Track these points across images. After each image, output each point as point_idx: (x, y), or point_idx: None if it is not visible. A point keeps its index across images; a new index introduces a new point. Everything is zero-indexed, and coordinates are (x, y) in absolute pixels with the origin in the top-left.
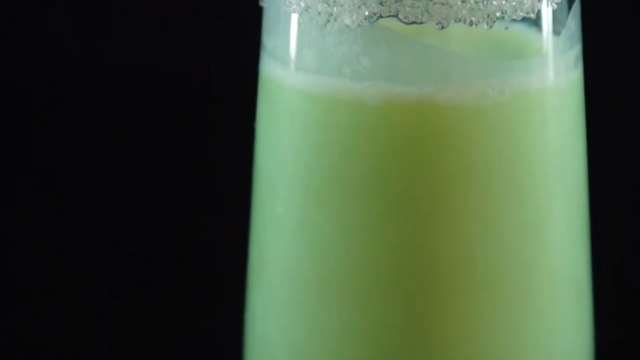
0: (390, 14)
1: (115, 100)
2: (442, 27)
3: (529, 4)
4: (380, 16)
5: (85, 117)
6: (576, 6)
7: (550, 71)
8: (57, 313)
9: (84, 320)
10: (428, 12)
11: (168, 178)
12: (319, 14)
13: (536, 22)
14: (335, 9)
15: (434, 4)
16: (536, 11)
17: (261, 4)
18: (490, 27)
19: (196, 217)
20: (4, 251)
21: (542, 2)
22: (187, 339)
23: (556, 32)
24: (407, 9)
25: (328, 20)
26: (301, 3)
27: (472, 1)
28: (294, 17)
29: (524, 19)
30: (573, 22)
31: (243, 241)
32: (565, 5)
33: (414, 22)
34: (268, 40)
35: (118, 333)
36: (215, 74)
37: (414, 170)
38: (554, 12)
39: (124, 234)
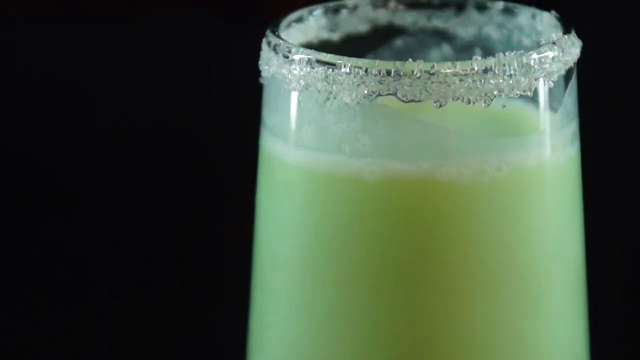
0: (389, 92)
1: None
2: (440, 106)
3: (526, 82)
4: (379, 94)
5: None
6: (572, 84)
7: (548, 148)
8: (57, 313)
9: (85, 320)
10: (426, 90)
11: (170, 251)
12: (319, 92)
13: (533, 99)
14: (334, 87)
15: (432, 82)
16: (533, 89)
17: (261, 81)
18: (488, 105)
19: (200, 298)
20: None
21: (538, 80)
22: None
23: (553, 108)
24: (406, 87)
25: (327, 98)
26: (301, 81)
27: (469, 80)
28: (294, 95)
29: (521, 96)
30: (570, 99)
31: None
32: (562, 82)
33: (412, 101)
34: (268, 116)
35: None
36: (216, 149)
37: (412, 246)
38: (550, 89)
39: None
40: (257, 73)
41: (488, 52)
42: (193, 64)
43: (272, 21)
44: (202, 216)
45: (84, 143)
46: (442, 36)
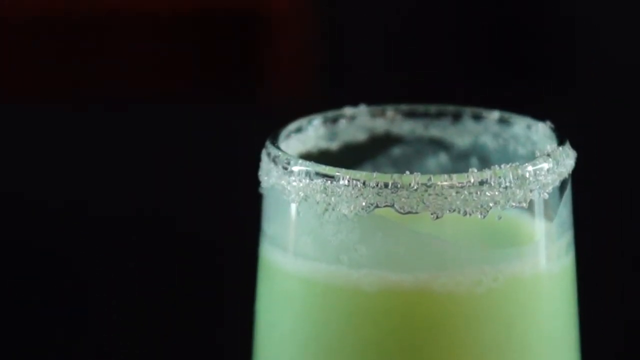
0: (387, 204)
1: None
2: (437, 217)
3: (521, 194)
4: (377, 206)
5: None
6: (567, 194)
7: (543, 258)
8: (59, 315)
9: (86, 323)
10: (423, 202)
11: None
12: (318, 203)
13: (529, 210)
14: (333, 198)
15: (429, 195)
16: (528, 200)
17: (261, 191)
18: (484, 216)
19: None
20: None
21: (533, 192)
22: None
23: (548, 219)
24: (403, 199)
25: (326, 209)
26: (300, 192)
27: (466, 192)
28: (293, 206)
29: (517, 207)
30: (564, 209)
31: None
32: (557, 193)
33: (409, 212)
34: (268, 226)
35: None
36: (216, 257)
37: (410, 354)
38: (545, 200)
39: None
40: (257, 182)
41: (484, 161)
42: (193, 167)
43: (272, 132)
44: (202, 323)
45: (88, 240)
46: (439, 145)
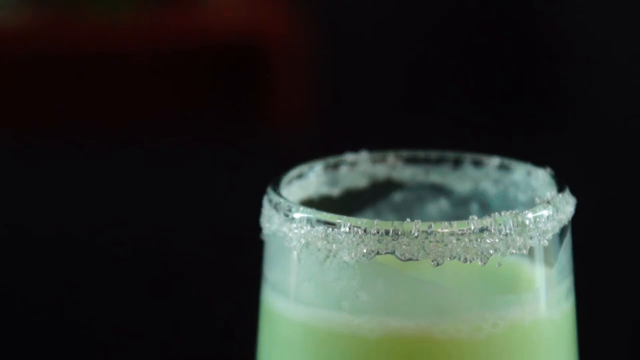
0: (388, 251)
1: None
2: (438, 264)
3: (521, 241)
4: (378, 253)
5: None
6: (567, 240)
7: (543, 304)
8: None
9: None
10: (424, 249)
11: None
12: (319, 249)
13: (529, 257)
14: (334, 245)
15: (430, 242)
16: (528, 247)
17: (262, 237)
18: (484, 263)
19: None
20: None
21: (533, 239)
22: None
23: (548, 265)
24: (404, 246)
25: (327, 256)
26: (301, 239)
27: (466, 239)
28: (295, 252)
29: (517, 254)
30: (564, 255)
31: None
32: (557, 240)
33: (410, 259)
34: (269, 272)
35: None
36: (218, 302)
37: None
38: (545, 247)
39: None
40: (259, 228)
41: (485, 206)
42: (194, 210)
43: (274, 178)
44: None
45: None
46: (440, 191)
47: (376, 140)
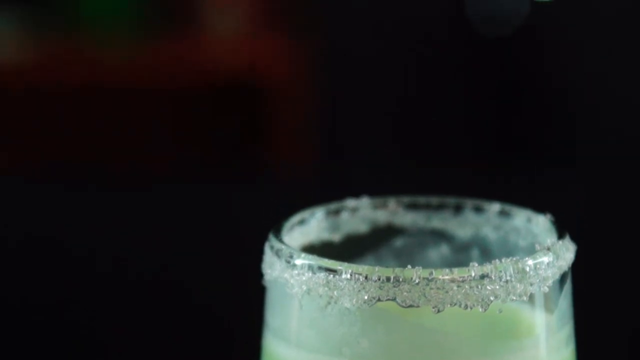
0: (389, 297)
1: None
2: (439, 311)
3: (522, 287)
4: (379, 300)
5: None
6: (567, 287)
7: (544, 350)
8: None
9: None
10: (425, 296)
11: None
12: (320, 296)
13: (529, 303)
14: (335, 292)
15: (431, 288)
16: (529, 294)
17: (264, 283)
18: (485, 310)
19: None
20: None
21: (534, 286)
22: None
23: (548, 311)
24: (405, 293)
25: (329, 303)
26: (303, 286)
27: (467, 286)
28: (296, 298)
29: (518, 300)
30: (564, 302)
31: None
32: (557, 286)
33: (411, 306)
34: (271, 318)
35: None
36: (220, 347)
37: None
38: (545, 294)
39: None
40: (260, 274)
41: (485, 252)
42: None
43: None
44: None
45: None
46: (441, 236)
47: (377, 185)
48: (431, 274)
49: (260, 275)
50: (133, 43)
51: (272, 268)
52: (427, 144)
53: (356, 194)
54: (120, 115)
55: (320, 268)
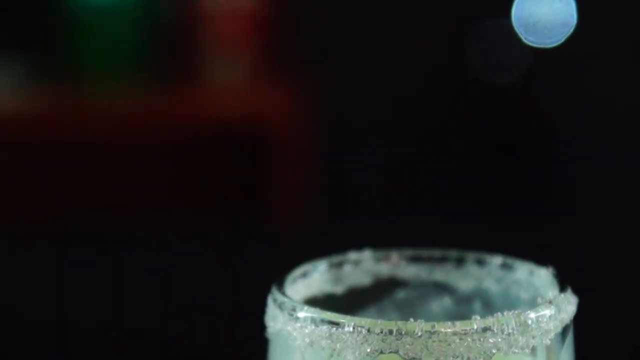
0: (391, 350)
1: None
2: None
3: (524, 340)
4: (382, 352)
5: None
6: (569, 339)
7: None
8: None
9: None
10: (427, 349)
11: None
12: (323, 348)
13: (531, 355)
14: (338, 345)
15: (433, 341)
16: (531, 347)
17: (267, 335)
18: None
19: None
20: None
21: (536, 338)
22: None
23: None
24: (407, 346)
25: (332, 355)
26: (306, 338)
27: (469, 339)
28: (299, 351)
29: (520, 353)
30: (566, 354)
31: None
32: (559, 339)
33: (413, 358)
34: None
35: None
36: None
37: None
38: (547, 346)
39: None
40: (263, 326)
41: (487, 304)
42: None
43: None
44: None
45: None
46: (443, 289)
47: (379, 238)
48: (433, 327)
49: (263, 327)
50: (131, 94)
51: (275, 320)
52: (428, 197)
53: (359, 247)
54: (118, 167)
55: (323, 321)
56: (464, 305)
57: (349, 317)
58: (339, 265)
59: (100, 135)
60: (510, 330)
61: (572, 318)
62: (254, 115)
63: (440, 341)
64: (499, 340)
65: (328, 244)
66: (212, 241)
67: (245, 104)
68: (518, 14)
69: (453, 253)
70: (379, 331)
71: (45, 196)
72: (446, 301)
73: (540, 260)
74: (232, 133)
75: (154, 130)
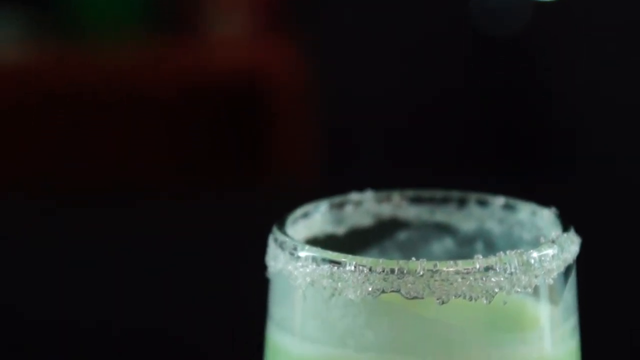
0: (393, 289)
1: None
2: (443, 302)
3: (526, 279)
4: (383, 291)
5: None
6: (572, 279)
7: (548, 342)
8: None
9: None
10: (429, 288)
11: None
12: (324, 288)
13: (534, 295)
14: (340, 284)
15: (435, 280)
16: (533, 286)
17: (268, 275)
18: (489, 301)
19: None
20: None
21: (539, 278)
22: None
23: (553, 303)
24: (409, 285)
25: (333, 294)
26: (307, 278)
27: (471, 278)
28: (300, 290)
29: (522, 292)
30: (569, 294)
31: None
32: (562, 279)
33: (415, 297)
34: (275, 310)
35: None
36: (223, 341)
37: None
38: (550, 286)
39: None
40: (264, 267)
41: (489, 246)
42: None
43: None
44: None
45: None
46: (445, 230)
47: (381, 180)
48: (435, 266)
49: (264, 268)
50: (132, 47)
51: (276, 260)
52: (429, 145)
53: (359, 189)
54: (117, 120)
55: (324, 260)
56: (466, 247)
57: (350, 256)
58: (340, 205)
59: (99, 87)
60: (513, 270)
61: (575, 258)
62: (254, 67)
63: (442, 280)
64: (502, 279)
65: (330, 190)
66: (213, 195)
67: (247, 55)
68: None
69: (455, 194)
70: (380, 270)
71: (44, 152)
72: (448, 242)
73: (543, 203)
74: (233, 85)
75: (154, 83)
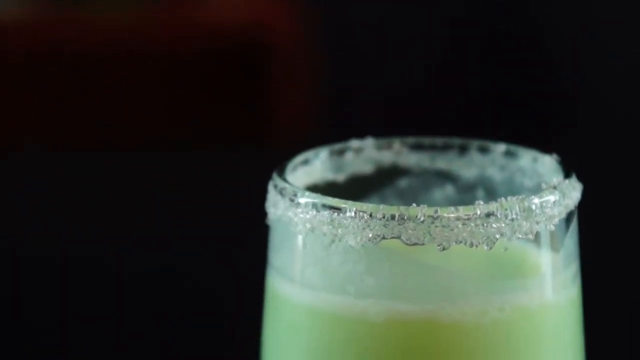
0: (393, 235)
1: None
2: (444, 249)
3: (528, 226)
4: (384, 238)
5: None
6: (573, 226)
7: (549, 289)
8: None
9: None
10: (430, 234)
11: None
12: (324, 234)
13: (535, 242)
14: (340, 230)
15: (436, 226)
16: (534, 232)
17: (268, 222)
18: (490, 248)
19: None
20: None
21: (540, 224)
22: None
23: (554, 250)
24: (410, 231)
25: (333, 241)
26: (307, 224)
27: (472, 224)
28: (300, 237)
29: (523, 239)
30: (571, 241)
31: None
32: (563, 225)
33: (416, 244)
34: (275, 257)
35: None
36: (223, 287)
37: None
38: (552, 232)
39: None
40: (264, 214)
41: (490, 193)
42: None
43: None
44: (208, 353)
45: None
46: (446, 177)
47: (382, 132)
48: (436, 212)
49: (263, 215)
50: (133, 5)
51: (276, 207)
52: (430, 98)
53: (359, 136)
54: (118, 79)
55: (325, 206)
56: (467, 194)
57: (350, 202)
58: (341, 152)
59: (100, 45)
60: (514, 216)
61: (576, 204)
62: (257, 22)
63: (443, 226)
64: (503, 225)
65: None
66: (215, 152)
67: (249, 10)
68: None
69: (456, 141)
70: (381, 216)
71: (46, 108)
72: (449, 189)
73: (544, 150)
74: (234, 41)
75: (157, 39)
